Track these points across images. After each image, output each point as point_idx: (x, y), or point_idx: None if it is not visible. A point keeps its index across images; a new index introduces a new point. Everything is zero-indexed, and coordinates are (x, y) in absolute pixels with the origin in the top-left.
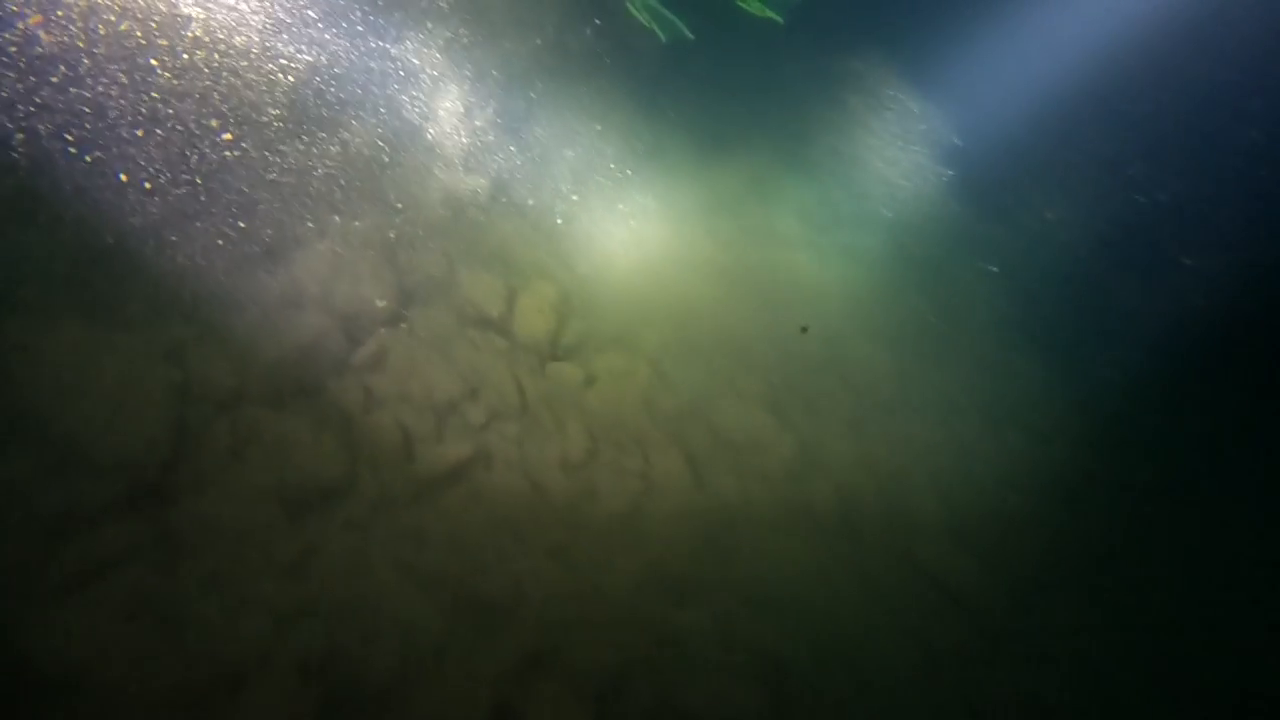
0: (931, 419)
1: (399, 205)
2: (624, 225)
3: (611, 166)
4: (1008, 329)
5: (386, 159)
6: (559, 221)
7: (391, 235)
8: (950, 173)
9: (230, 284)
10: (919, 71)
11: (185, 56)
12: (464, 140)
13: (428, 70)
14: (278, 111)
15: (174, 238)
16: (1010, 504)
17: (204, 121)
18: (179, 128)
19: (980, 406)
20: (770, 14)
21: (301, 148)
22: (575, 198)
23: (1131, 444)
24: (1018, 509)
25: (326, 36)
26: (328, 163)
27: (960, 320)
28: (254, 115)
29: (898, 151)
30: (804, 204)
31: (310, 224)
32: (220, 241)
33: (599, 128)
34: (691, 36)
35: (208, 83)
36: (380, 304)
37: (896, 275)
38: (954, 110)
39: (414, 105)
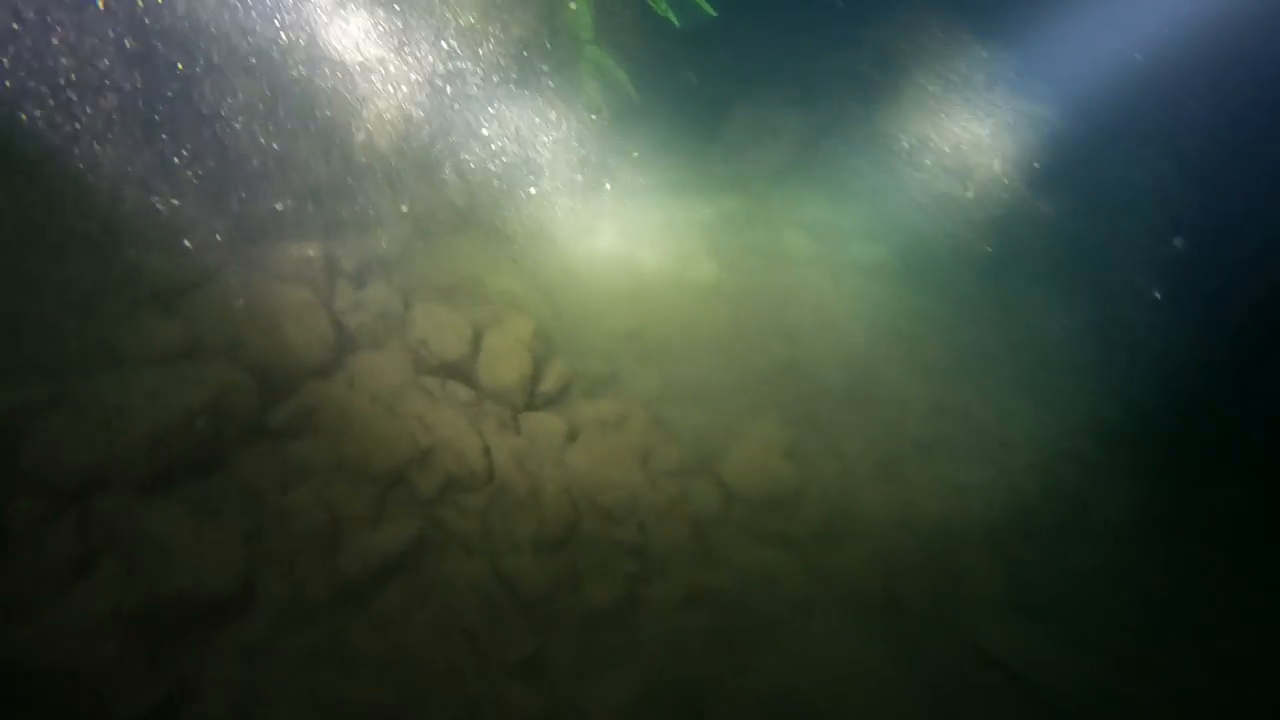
0: (977, 458)
1: (340, 223)
2: (614, 243)
3: (600, 173)
4: (1060, 348)
5: (323, 162)
6: (536, 241)
7: (329, 261)
8: (1036, 164)
9: (101, 328)
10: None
11: None
12: (419, 143)
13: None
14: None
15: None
16: (1077, 557)
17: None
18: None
19: (1030, 440)
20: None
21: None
22: (555, 212)
23: (1195, 472)
24: (1086, 563)
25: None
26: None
27: (1009, 339)
28: None
29: (967, 133)
30: (833, 210)
31: (217, 250)
32: (89, 272)
33: (592, 118)
34: (714, 13)
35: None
36: (312, 349)
37: (940, 287)
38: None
39: (346, 81)
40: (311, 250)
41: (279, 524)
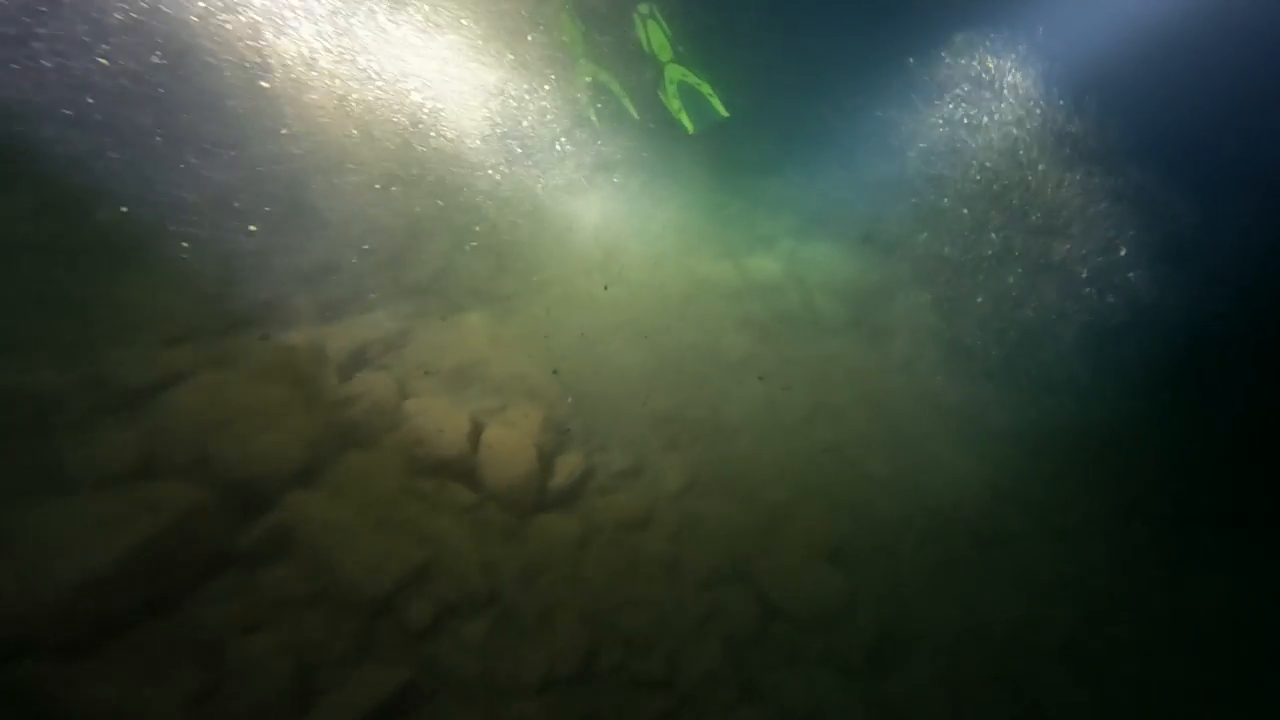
0: (1043, 551)
1: (331, 305)
2: (626, 316)
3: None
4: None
5: (298, 242)
6: (550, 313)
7: (316, 351)
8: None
9: (51, 447)
10: None
11: None
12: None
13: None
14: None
15: None
16: (1168, 673)
17: None
18: None
19: (1101, 528)
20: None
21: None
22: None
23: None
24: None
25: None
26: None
27: (1071, 411)
28: None
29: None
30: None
31: (187, 345)
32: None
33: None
34: (726, 115)
35: None
36: (290, 455)
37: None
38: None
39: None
40: (296, 339)
41: (238, 679)
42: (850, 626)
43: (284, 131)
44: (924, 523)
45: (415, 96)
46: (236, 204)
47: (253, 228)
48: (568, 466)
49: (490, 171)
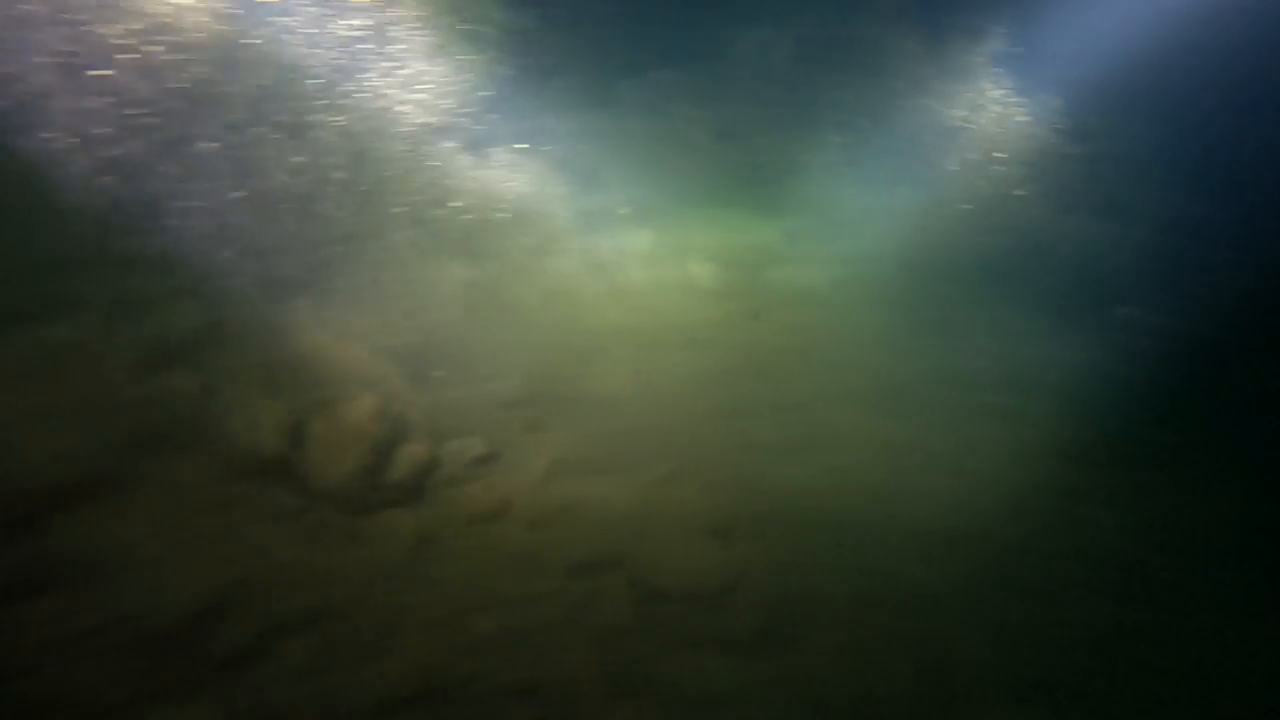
0: (944, 500)
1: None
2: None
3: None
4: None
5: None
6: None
7: (101, 349)
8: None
9: None
10: None
11: None
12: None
13: None
14: None
15: None
16: (1075, 613)
17: None
18: None
19: (996, 471)
20: None
21: None
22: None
23: None
24: (1092, 622)
25: None
26: None
27: (959, 358)
28: None
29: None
30: None
31: None
32: None
33: None
34: None
35: None
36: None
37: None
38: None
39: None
40: (76, 333)
41: None
42: (738, 604)
43: None
44: (816, 486)
45: None
46: None
47: None
48: (406, 458)
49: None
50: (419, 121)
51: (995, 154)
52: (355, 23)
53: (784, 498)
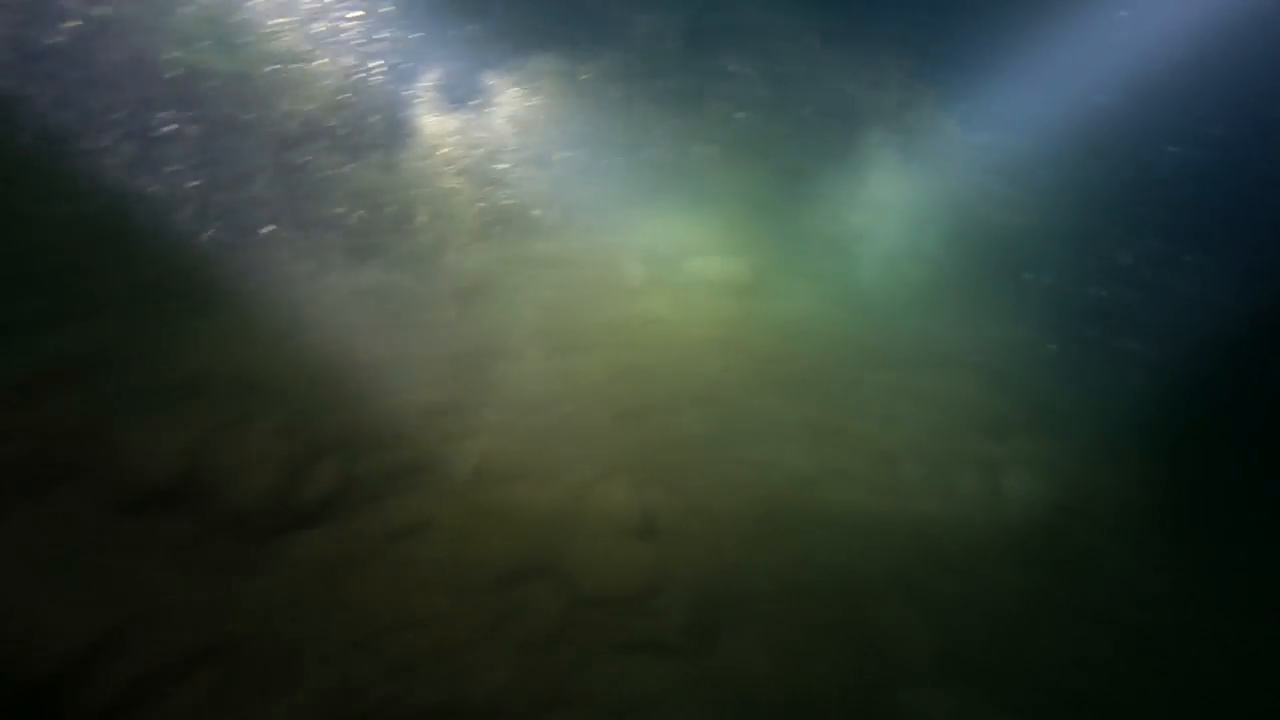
0: (871, 485)
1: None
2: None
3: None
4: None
5: None
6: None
7: None
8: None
9: None
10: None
11: None
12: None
13: None
14: None
15: None
16: (1002, 587)
17: None
18: None
19: (923, 449)
20: None
21: None
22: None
23: None
24: (1010, 596)
25: None
26: None
27: (888, 340)
28: None
29: None
30: None
31: None
32: None
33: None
34: None
35: None
36: None
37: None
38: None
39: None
40: None
41: None
42: (666, 603)
43: None
44: (742, 477)
45: None
46: None
47: None
48: (322, 475)
49: None
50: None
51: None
52: None
53: (710, 492)
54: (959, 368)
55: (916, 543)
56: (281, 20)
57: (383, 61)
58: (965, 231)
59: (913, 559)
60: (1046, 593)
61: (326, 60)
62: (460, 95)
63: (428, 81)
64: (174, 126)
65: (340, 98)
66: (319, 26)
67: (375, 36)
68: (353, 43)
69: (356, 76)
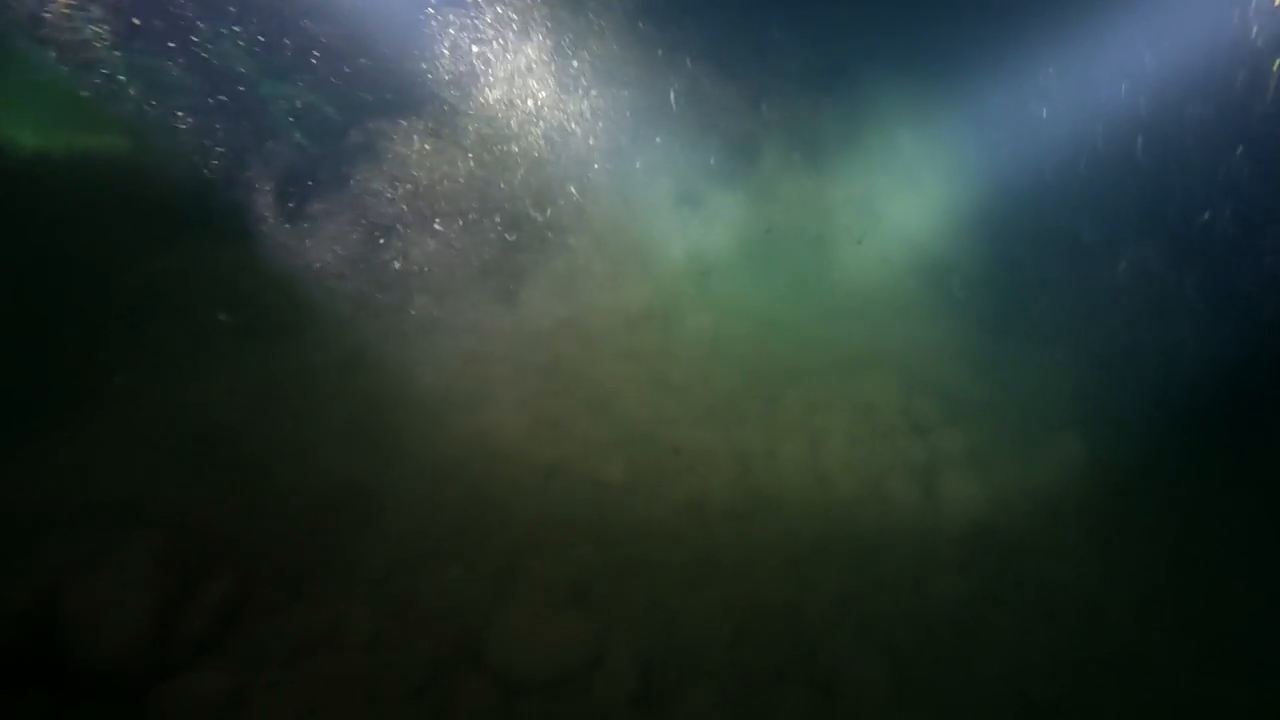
0: (809, 523)
1: None
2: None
3: None
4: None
5: None
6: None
7: None
8: None
9: None
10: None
11: None
12: None
13: None
14: None
15: None
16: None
17: None
18: None
19: (853, 474)
20: None
21: None
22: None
23: None
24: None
25: None
26: None
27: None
28: None
29: None
30: None
31: None
32: None
33: None
34: None
35: None
36: None
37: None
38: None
39: None
40: None
41: None
42: (608, 674)
43: None
44: (674, 523)
45: None
46: None
47: None
48: (208, 598)
49: None
50: None
51: None
52: None
53: (641, 541)
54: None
55: (858, 564)
56: None
57: None
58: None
59: (856, 582)
60: (988, 598)
61: None
62: None
63: None
64: None
65: None
66: None
67: None
68: None
69: None
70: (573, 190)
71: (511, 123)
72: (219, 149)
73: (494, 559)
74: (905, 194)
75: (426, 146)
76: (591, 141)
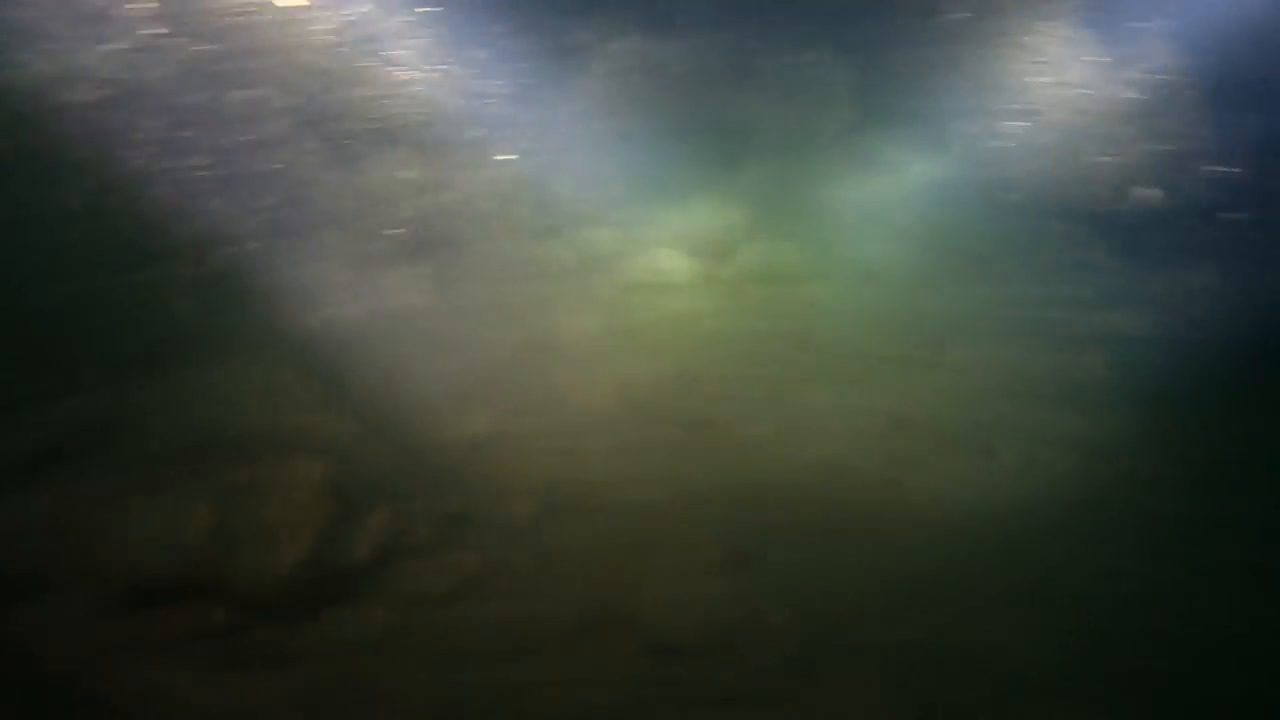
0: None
1: None
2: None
3: None
4: None
5: None
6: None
7: None
8: None
9: None
10: None
11: None
12: None
13: None
14: None
15: None
16: None
17: None
18: None
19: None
20: None
21: None
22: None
23: None
24: None
25: None
26: None
27: None
28: None
29: None
30: None
31: None
32: None
33: None
34: None
35: None
36: None
37: None
38: None
39: None
40: None
41: None
42: (764, 641)
43: None
44: (825, 485)
45: None
46: None
47: None
48: (367, 531)
49: None
50: None
51: None
52: None
53: (795, 507)
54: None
55: (1024, 539)
56: None
57: None
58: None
59: (1026, 559)
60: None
61: None
62: None
63: None
64: None
65: None
66: None
67: None
68: None
69: None
70: None
71: None
72: None
73: (639, 516)
74: None
75: None
76: None
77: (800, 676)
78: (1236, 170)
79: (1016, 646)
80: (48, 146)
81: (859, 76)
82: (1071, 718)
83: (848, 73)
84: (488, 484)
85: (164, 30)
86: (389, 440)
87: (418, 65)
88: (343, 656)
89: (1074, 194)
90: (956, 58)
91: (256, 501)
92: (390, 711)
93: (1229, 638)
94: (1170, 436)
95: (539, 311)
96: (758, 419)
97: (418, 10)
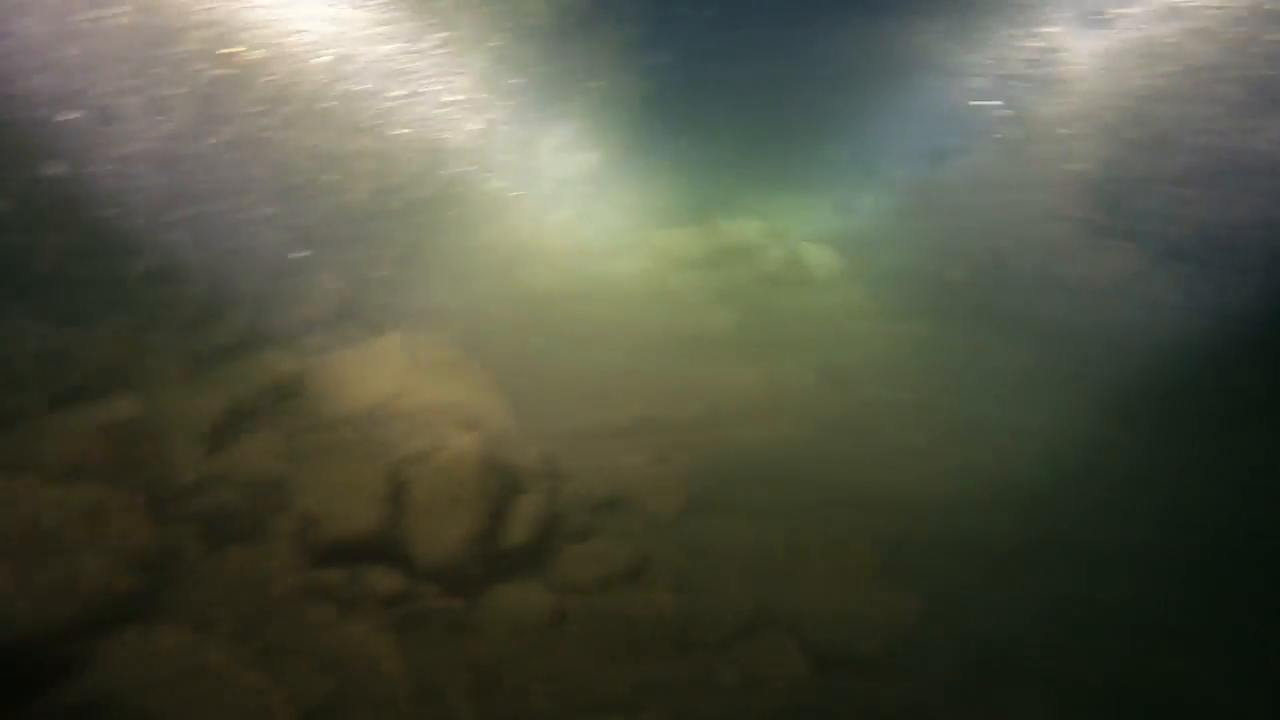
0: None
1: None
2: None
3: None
4: None
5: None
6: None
7: (150, 422)
8: None
9: None
10: None
11: None
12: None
13: None
14: None
15: None
16: None
17: None
18: None
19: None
20: None
21: None
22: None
23: None
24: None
25: None
26: None
27: None
28: None
29: None
30: None
31: None
32: None
33: None
34: None
35: None
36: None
37: None
38: None
39: None
40: (122, 410)
41: None
42: (931, 657)
43: None
44: (983, 497)
45: None
46: None
47: None
48: (525, 512)
49: None
50: None
51: None
52: None
53: (951, 517)
54: None
55: (1190, 569)
56: None
57: None
58: None
59: (1198, 590)
60: None
61: None
62: None
63: None
64: None
65: None
66: None
67: None
68: None
69: None
70: None
71: None
72: None
73: (791, 516)
74: None
75: None
76: None
77: (968, 703)
78: None
79: (1208, 683)
80: None
81: None
82: None
83: None
84: (635, 473)
85: None
86: (540, 424)
87: None
88: (512, 636)
89: None
90: None
91: (427, 473)
92: (564, 695)
93: None
94: None
95: (681, 301)
96: (909, 426)
97: None
